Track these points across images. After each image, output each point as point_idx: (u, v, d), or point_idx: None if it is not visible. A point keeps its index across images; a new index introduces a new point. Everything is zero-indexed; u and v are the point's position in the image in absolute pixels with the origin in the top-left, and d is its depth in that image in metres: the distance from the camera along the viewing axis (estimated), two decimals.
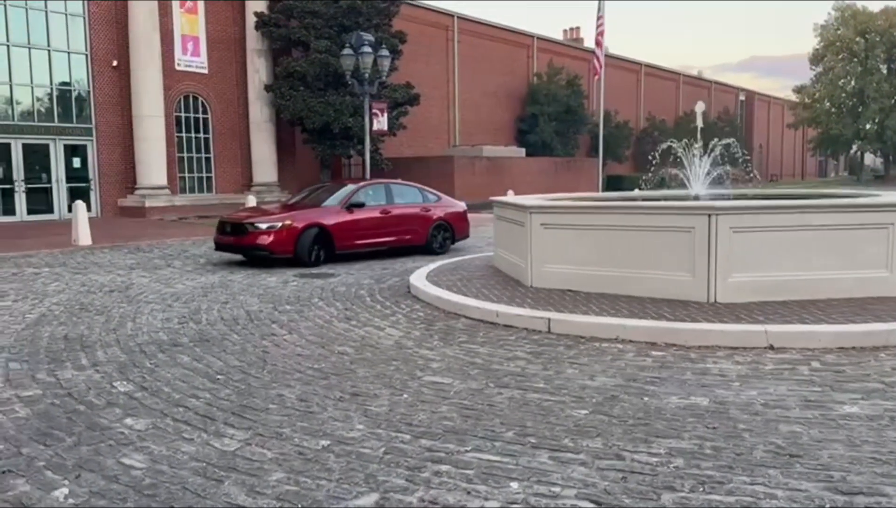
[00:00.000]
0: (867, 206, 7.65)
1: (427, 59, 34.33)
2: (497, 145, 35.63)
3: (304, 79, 25.18)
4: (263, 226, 11.82)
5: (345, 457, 3.95)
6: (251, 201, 15.34)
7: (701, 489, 3.49)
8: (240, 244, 12.06)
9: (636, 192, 14.74)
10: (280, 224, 11.84)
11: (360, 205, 12.86)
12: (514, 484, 3.58)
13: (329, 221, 12.36)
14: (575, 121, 40.38)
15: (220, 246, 12.52)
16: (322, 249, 12.17)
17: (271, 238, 11.76)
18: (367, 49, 17.51)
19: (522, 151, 36.31)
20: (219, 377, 5.55)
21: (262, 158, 27.50)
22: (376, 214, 13.09)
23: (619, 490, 3.50)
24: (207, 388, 5.26)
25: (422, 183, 30.66)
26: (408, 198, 13.98)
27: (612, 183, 38.59)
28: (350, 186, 13.49)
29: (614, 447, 4.03)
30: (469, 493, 3.49)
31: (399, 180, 14.81)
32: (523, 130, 40.09)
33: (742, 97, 68.27)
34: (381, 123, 21.23)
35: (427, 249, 13.79)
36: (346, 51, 17.93)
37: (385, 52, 18.61)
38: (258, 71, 27.02)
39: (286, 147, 28.25)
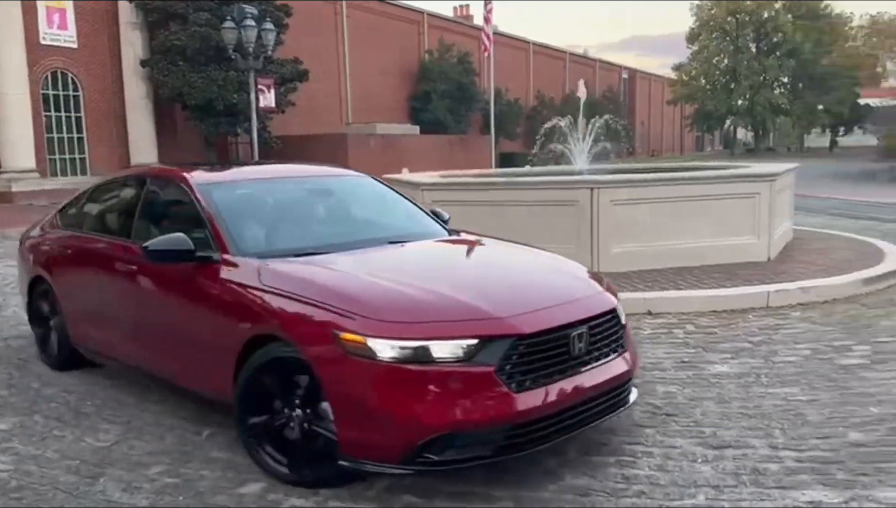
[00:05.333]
0: (735, 176, 8.14)
1: (316, 36, 33.49)
2: (391, 123, 35.40)
3: (183, 53, 23.98)
4: None
5: (233, 445, 3.84)
6: None
7: (584, 450, 3.62)
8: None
9: (526, 168, 15.04)
10: None
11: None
12: None
13: None
14: (467, 98, 40.66)
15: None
16: None
17: None
18: (251, 22, 16.88)
19: (417, 129, 36.23)
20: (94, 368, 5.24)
21: (140, 137, 26.08)
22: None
23: None
24: (82, 381, 4.97)
25: (316, 163, 30.06)
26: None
27: (506, 160, 39.21)
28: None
29: None
30: None
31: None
32: (417, 108, 40.01)
33: (625, 75, 70.84)
34: (267, 99, 20.57)
35: None
36: (228, 24, 17.23)
37: (269, 25, 18.01)
38: (133, 45, 25.51)
39: (167, 126, 26.90)
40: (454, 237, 4.66)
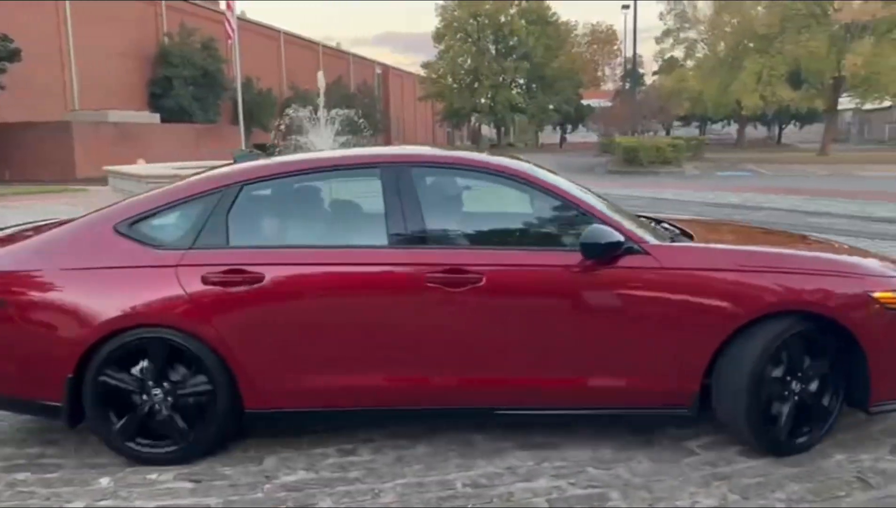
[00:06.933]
0: None
1: (31, 11, 29.65)
2: (127, 110, 32.50)
3: None
4: None
5: None
6: None
7: None
8: None
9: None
10: None
11: None
12: None
13: None
14: (215, 86, 38.65)
15: None
16: None
17: None
18: None
19: (157, 117, 33.70)
20: None
21: None
22: None
23: None
24: None
25: (35, 154, 26.68)
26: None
27: (260, 151, 38.10)
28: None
29: None
30: None
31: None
32: (157, 95, 37.16)
33: (378, 70, 72.23)
34: None
35: None
36: None
37: None
38: None
39: None
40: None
